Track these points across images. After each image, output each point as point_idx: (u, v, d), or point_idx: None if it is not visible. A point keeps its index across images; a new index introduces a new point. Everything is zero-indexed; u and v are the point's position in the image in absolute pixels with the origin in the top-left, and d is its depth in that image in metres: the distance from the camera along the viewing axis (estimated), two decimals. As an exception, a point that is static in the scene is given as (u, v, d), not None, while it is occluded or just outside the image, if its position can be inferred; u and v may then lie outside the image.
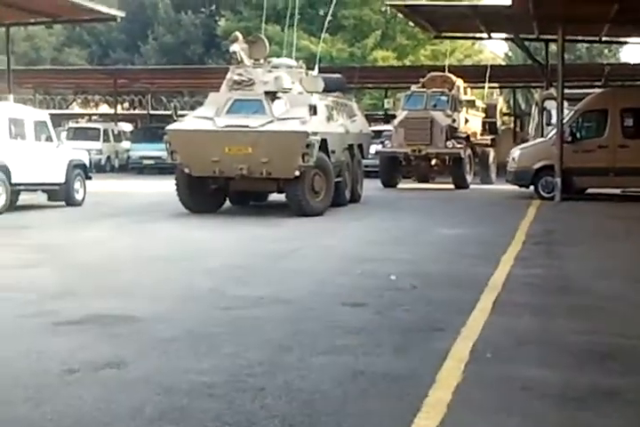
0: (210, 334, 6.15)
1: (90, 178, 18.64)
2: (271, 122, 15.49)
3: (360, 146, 19.43)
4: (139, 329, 6.33)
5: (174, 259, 10.07)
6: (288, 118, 15.56)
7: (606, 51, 52.25)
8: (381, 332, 6.30)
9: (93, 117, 45.97)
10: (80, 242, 11.90)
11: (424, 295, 7.79)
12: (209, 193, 16.47)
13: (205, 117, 15.94)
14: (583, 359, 5.59)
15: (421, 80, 26.50)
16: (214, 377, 5.09)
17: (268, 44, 17.80)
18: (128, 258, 10.23)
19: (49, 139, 17.36)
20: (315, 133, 15.35)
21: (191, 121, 16.14)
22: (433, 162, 25.17)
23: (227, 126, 15.47)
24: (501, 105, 31.94)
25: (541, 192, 20.03)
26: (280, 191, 16.41)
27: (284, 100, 16.07)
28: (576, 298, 7.79)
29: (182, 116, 16.97)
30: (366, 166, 21.13)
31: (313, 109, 15.78)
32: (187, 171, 15.74)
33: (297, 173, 15.20)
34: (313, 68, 18.64)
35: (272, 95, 16.03)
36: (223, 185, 16.32)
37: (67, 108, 52.38)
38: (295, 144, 15.07)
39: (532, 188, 20.44)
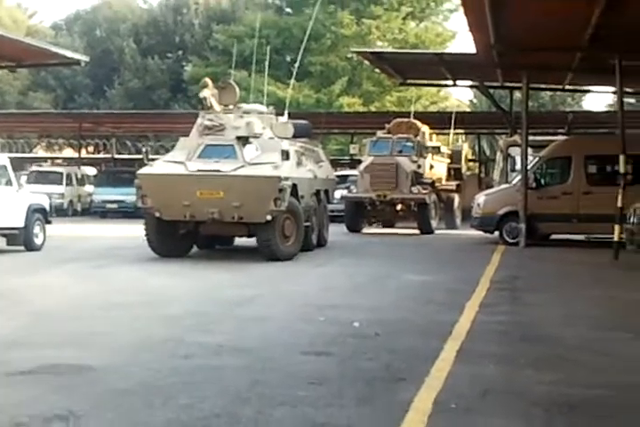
0: (166, 385, 5.95)
1: (50, 222, 18.34)
2: (243, 167, 15.50)
3: (326, 191, 19.47)
4: (92, 380, 6.11)
5: (133, 306, 9.84)
6: (260, 163, 15.59)
7: (569, 99, 52.96)
8: (344, 382, 6.13)
9: (57, 161, 45.60)
10: (36, 288, 11.61)
11: (387, 343, 7.64)
12: (178, 237, 16.32)
13: (177, 162, 15.88)
14: (550, 410, 5.46)
15: (387, 126, 26.61)
16: (168, 431, 4.90)
17: (237, 90, 17.81)
18: (85, 305, 9.98)
19: (8, 183, 17.11)
20: (286, 178, 15.37)
21: (162, 165, 16.05)
22: (398, 207, 25.14)
23: (199, 171, 15.43)
24: (466, 151, 32.09)
25: (506, 238, 20.04)
26: (250, 235, 16.33)
27: (255, 145, 16.09)
28: (541, 347, 7.68)
29: (153, 160, 16.85)
30: (331, 211, 21.08)
31: (285, 155, 15.87)
32: (157, 215, 15.59)
33: (268, 217, 15.17)
34: (282, 114, 18.67)
35: (243, 140, 16.05)
36: (193, 229, 16.18)
37: (30, 151, 52.02)
38: (268, 189, 15.07)
39: (496, 233, 20.45)
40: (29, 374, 6.27)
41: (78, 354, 6.98)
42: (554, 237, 20.66)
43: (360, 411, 5.39)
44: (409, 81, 29.87)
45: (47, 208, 18.39)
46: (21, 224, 17.15)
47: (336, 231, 21.66)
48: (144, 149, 18.94)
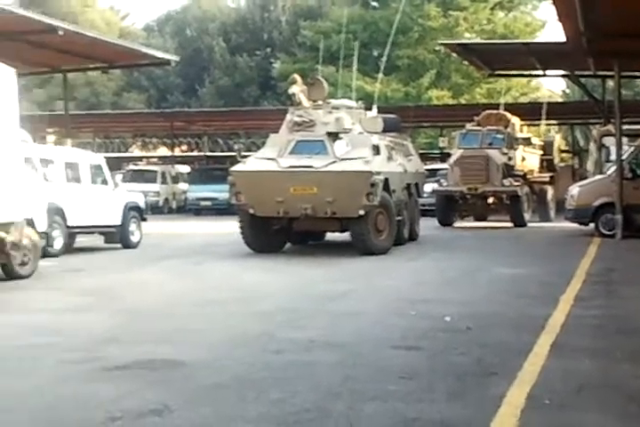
0: (258, 380, 6.01)
1: (145, 220, 18.73)
2: (334, 162, 15.59)
3: (416, 185, 19.43)
4: (186, 375, 6.22)
5: (227, 302, 9.97)
6: (351, 158, 15.66)
7: (666, 86, 51.48)
8: (435, 377, 6.10)
9: (152, 160, 46.52)
10: (133, 285, 11.89)
11: (479, 338, 7.57)
12: (272, 233, 16.48)
13: (269, 158, 16.02)
14: (647, 406, 5.34)
15: (476, 118, 26.34)
16: (261, 425, 4.94)
17: (326, 86, 17.87)
18: (180, 301, 10.16)
19: (104, 182, 17.53)
20: (378, 173, 15.43)
21: (255, 162, 16.22)
22: (490, 200, 24.91)
23: (291, 167, 15.55)
24: (559, 142, 31.55)
25: (602, 230, 19.63)
26: (343, 230, 16.42)
27: (346, 140, 16.15)
28: (638, 339, 7.51)
29: (245, 157, 17.05)
30: (422, 205, 21.01)
31: (376, 149, 15.96)
32: (251, 211, 15.76)
33: (361, 212, 15.24)
34: (371, 109, 18.69)
35: (334, 136, 16.13)
36: (286, 225, 16.32)
37: (126, 151, 53.16)
38: (360, 184, 15.14)
39: (592, 225, 20.05)
40: (125, 369, 6.40)
41: (173, 350, 7.11)
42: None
43: (451, 406, 5.35)
44: (497, 72, 29.55)
45: (142, 206, 18.80)
46: (118, 222, 17.58)
47: (427, 225, 21.57)
48: (236, 147, 19.17)
